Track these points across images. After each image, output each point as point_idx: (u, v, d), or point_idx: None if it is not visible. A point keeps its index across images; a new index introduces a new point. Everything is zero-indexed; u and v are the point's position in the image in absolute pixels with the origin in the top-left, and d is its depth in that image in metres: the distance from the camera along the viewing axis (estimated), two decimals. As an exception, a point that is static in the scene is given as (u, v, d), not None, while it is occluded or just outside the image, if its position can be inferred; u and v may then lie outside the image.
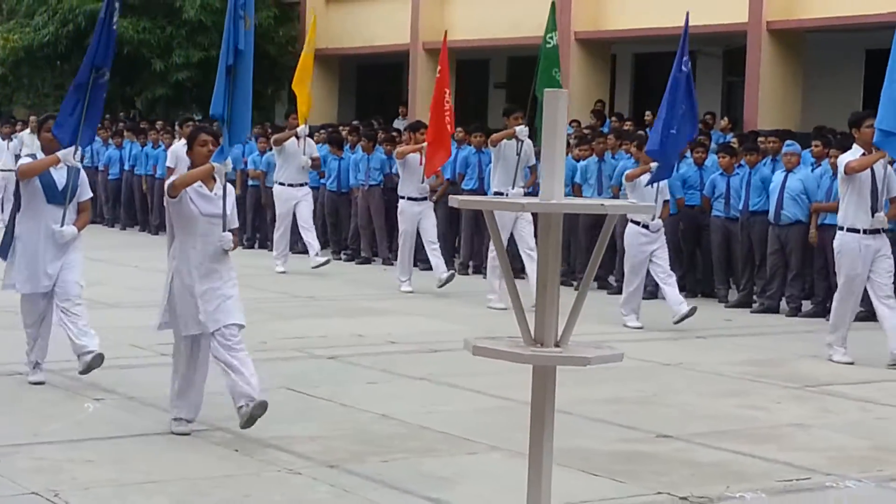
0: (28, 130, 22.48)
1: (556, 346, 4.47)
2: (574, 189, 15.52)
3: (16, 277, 9.07)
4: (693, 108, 12.83)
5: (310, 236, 16.37)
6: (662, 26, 20.12)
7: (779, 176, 13.95)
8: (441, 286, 14.56)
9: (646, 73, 24.45)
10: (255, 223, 20.19)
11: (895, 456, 7.95)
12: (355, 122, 21.95)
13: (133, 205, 22.60)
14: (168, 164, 17.14)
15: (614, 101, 23.85)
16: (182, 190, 7.46)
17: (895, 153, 10.93)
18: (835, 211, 13.18)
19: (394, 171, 17.40)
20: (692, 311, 12.44)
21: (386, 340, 11.78)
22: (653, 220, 12.36)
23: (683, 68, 12.59)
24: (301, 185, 16.53)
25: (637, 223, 12.66)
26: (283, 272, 16.18)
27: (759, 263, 14.05)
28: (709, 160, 15.30)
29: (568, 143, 15.66)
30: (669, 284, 12.73)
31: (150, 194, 21.74)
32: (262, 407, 7.43)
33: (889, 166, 11.04)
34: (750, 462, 7.72)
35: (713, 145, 16.23)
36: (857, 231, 10.77)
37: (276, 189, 16.67)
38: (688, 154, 15.03)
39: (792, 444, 8.17)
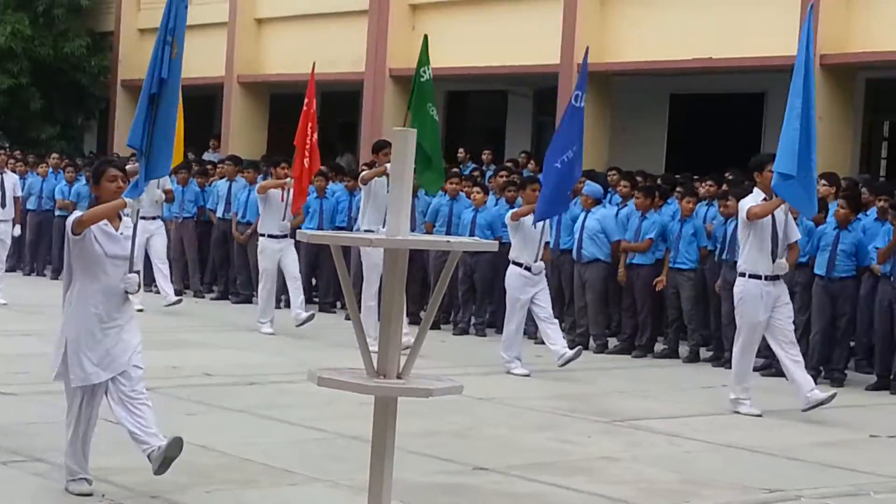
0: None
1: (399, 377, 4.56)
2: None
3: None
4: (580, 148, 12.40)
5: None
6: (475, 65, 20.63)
7: (580, 216, 14.16)
8: (299, 325, 14.32)
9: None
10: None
11: (702, 488, 8.18)
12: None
13: None
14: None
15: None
16: (88, 227, 6.93)
17: (792, 198, 10.53)
18: (643, 251, 13.66)
19: (207, 204, 17.52)
20: (577, 354, 12.24)
21: (202, 373, 11.74)
22: (535, 261, 12.17)
23: (578, 104, 12.31)
24: (153, 218, 16.10)
25: (519, 265, 12.36)
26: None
27: (568, 301, 14.18)
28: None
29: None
30: (552, 327, 12.47)
31: None
32: (174, 449, 6.97)
33: (788, 213, 10.70)
34: (564, 493, 7.84)
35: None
36: (759, 277, 10.54)
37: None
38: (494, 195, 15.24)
39: (603, 477, 8.31)
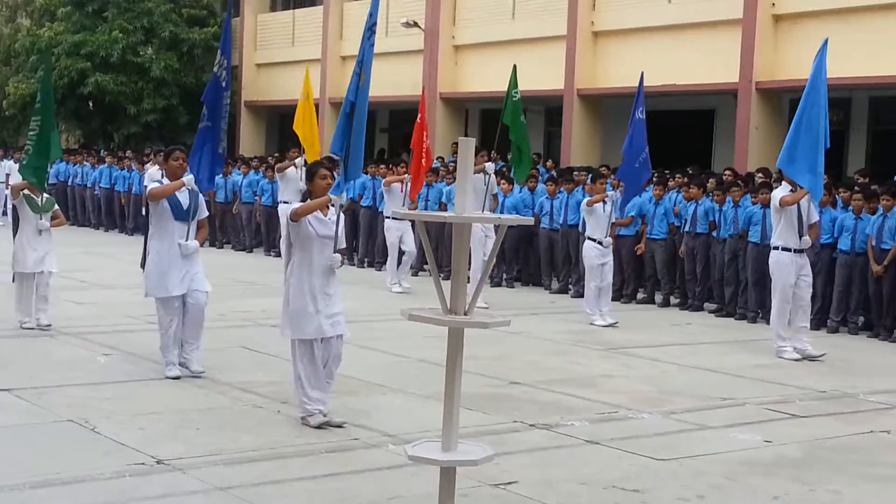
0: (12, 161, 21.71)
1: (465, 314, 4.45)
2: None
3: (150, 285, 7.90)
4: (646, 152, 11.71)
5: None
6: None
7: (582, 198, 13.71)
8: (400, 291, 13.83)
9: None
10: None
11: (675, 397, 8.17)
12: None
13: (113, 213, 21.90)
14: (145, 183, 16.40)
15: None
16: (304, 216, 6.61)
17: (809, 186, 9.91)
18: (626, 225, 13.32)
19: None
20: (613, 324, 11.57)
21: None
22: (605, 237, 11.61)
23: (640, 115, 11.77)
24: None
25: (594, 240, 11.72)
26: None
27: (574, 262, 14.02)
28: (539, 188, 15.27)
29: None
30: (606, 293, 11.77)
31: (127, 205, 21.23)
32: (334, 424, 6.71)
33: (810, 200, 10.10)
34: (576, 401, 7.84)
35: (541, 176, 16.35)
36: (790, 250, 9.99)
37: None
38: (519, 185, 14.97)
39: (604, 389, 8.31)
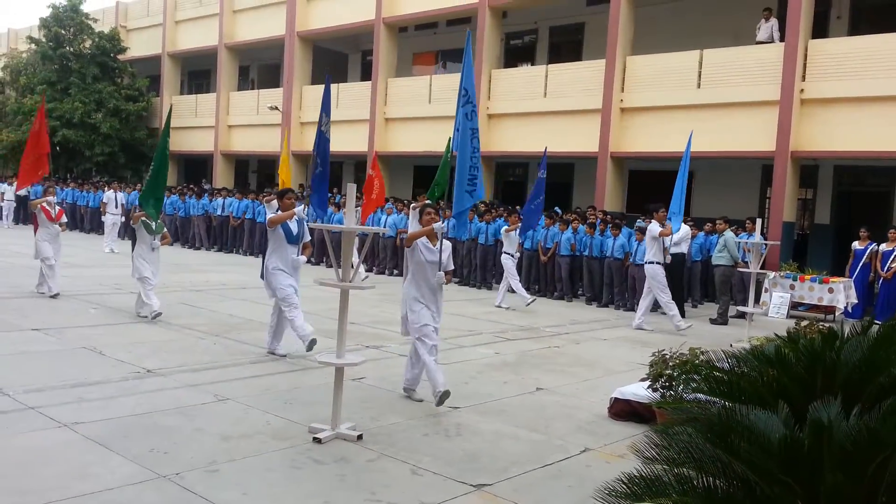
0: (6, 184, 26.61)
1: (350, 282, 5.78)
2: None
3: (270, 288, 8.36)
4: (541, 199, 13.38)
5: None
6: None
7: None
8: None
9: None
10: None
11: (444, 331, 7.85)
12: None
13: (76, 219, 25.53)
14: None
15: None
16: (413, 243, 6.87)
17: (674, 225, 11.49)
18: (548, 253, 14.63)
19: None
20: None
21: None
22: (515, 253, 13.53)
23: (542, 175, 13.31)
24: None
25: (509, 254, 13.45)
26: None
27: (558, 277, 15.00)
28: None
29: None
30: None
31: (85, 215, 25.43)
32: (447, 395, 6.70)
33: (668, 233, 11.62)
34: (390, 333, 8.59)
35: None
36: (659, 263, 11.55)
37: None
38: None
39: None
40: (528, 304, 13.46)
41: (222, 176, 28.30)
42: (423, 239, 6.90)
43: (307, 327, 8.29)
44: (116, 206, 20.39)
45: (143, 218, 10.13)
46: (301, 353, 8.49)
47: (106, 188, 23.07)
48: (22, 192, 23.35)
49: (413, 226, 14.92)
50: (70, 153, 30.27)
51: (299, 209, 8.47)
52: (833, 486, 2.06)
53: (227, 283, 14.25)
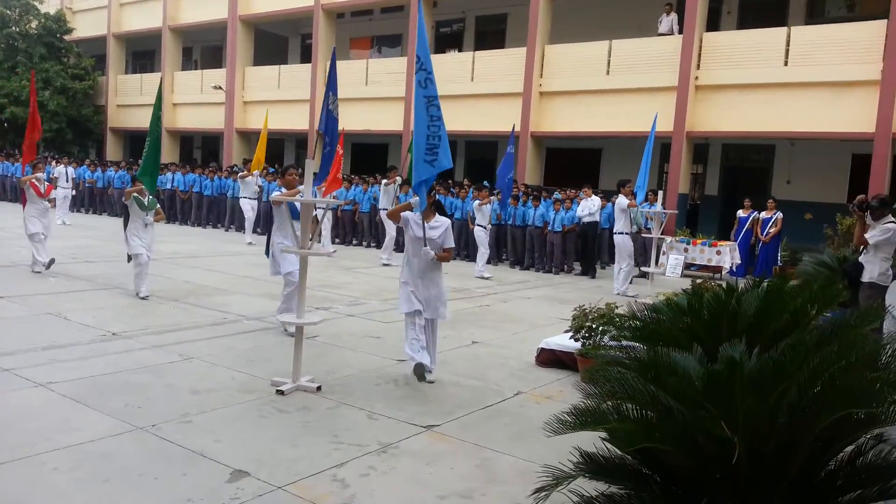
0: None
1: (308, 249, 5.96)
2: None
3: (276, 266, 7.75)
4: (511, 175, 13.79)
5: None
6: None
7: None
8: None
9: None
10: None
11: (383, 292, 8.88)
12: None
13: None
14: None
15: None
16: (402, 217, 6.38)
17: (639, 199, 11.47)
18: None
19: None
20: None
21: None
22: (488, 225, 13.35)
23: (510, 150, 13.75)
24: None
25: (482, 226, 13.18)
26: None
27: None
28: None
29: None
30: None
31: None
32: (418, 368, 6.26)
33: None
34: (335, 295, 9.04)
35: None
36: (627, 234, 11.61)
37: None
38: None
39: (348, 289, 9.11)
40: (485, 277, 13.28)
41: (167, 152, 27.53)
42: (415, 214, 6.35)
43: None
44: (67, 181, 19.82)
45: (136, 194, 9.53)
46: (257, 316, 8.55)
47: (55, 163, 22.17)
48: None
49: (385, 202, 14.92)
50: (18, 130, 29.06)
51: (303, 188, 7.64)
52: (747, 408, 2.32)
53: (178, 252, 14.02)
